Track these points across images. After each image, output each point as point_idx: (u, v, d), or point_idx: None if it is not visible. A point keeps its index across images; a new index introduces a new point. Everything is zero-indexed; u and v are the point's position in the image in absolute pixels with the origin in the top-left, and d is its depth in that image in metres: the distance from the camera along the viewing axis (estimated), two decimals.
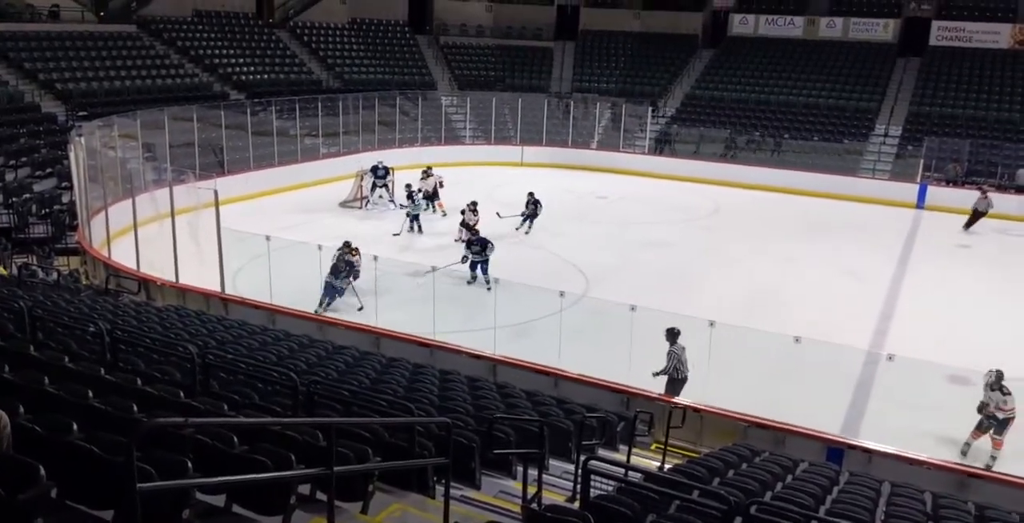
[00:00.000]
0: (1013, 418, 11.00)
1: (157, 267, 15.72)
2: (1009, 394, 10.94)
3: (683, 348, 12.01)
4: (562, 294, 14.01)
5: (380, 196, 24.41)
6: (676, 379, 11.99)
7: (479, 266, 17.36)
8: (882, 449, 10.31)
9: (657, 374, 12.05)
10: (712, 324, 11.56)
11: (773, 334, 11.88)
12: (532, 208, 21.77)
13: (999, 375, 11.15)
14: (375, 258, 14.13)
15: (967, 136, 29.42)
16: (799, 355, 11.74)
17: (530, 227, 21.82)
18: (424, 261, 15.85)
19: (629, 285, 17.55)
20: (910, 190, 27.71)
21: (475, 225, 19.50)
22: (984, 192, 24.68)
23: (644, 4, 39.48)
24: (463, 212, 20.33)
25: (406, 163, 27.54)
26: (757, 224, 24.27)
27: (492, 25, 39.99)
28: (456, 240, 19.93)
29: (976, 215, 24.41)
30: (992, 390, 11.12)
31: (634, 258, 20.10)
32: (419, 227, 21.84)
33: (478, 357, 12.56)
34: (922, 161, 28.56)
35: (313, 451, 5.60)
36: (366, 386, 9.07)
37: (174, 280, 15.41)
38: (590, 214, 24.69)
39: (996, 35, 33.83)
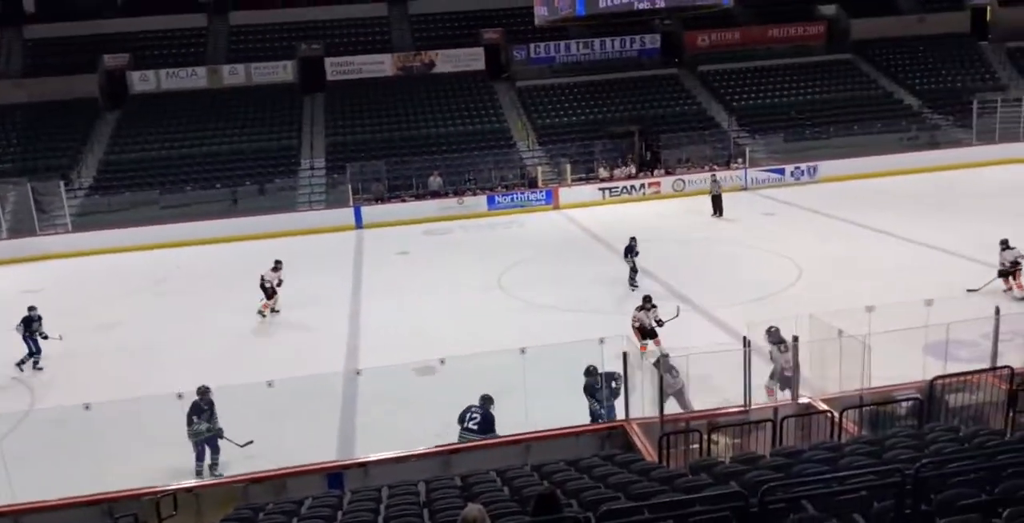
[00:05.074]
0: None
1: None
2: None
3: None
4: None
5: None
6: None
7: None
8: (374, 458, 10.63)
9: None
10: (180, 396, 10.96)
11: (248, 385, 11.56)
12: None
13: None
14: None
15: (382, 157, 32.25)
16: (280, 398, 11.66)
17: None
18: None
19: (85, 381, 15.48)
20: (347, 214, 29.63)
21: None
22: (714, 176, 28.74)
23: (23, 72, 36.21)
24: None
25: None
26: (212, 278, 23.65)
27: None
28: None
29: (716, 200, 27.08)
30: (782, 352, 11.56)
31: (84, 350, 17.62)
32: None
33: None
34: (349, 186, 30.62)
35: None
36: None
37: None
38: (12, 314, 17.60)
39: (381, 64, 37.95)
